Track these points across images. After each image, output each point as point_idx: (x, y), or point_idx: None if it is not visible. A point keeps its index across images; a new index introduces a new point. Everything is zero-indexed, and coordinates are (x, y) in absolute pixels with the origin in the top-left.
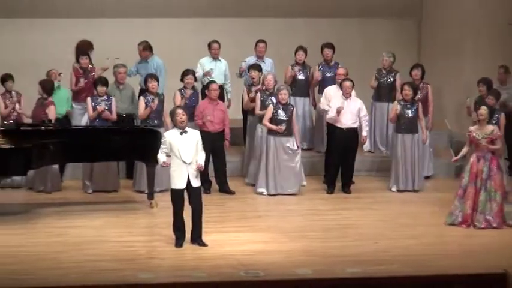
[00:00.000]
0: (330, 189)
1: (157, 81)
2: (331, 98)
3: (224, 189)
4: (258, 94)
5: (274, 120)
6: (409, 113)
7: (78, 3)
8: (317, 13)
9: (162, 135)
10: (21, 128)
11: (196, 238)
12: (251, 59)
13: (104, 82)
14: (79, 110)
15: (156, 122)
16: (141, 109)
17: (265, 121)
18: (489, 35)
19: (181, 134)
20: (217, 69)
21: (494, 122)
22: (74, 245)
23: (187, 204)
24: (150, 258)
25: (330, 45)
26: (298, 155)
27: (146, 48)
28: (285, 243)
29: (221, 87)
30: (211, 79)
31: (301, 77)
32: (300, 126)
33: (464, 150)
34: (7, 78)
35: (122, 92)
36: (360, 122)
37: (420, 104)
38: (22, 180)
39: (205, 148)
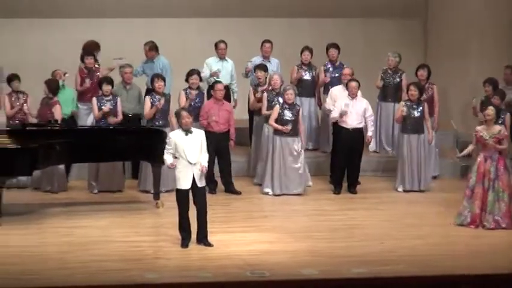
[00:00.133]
0: (337, 190)
1: (164, 81)
2: (337, 98)
3: (230, 189)
4: (265, 94)
5: (280, 120)
6: (415, 113)
7: (82, 3)
8: (322, 13)
9: (167, 135)
10: (27, 128)
11: (202, 238)
12: (257, 59)
13: (109, 81)
14: (84, 110)
15: (161, 122)
16: (147, 109)
17: (272, 121)
18: (495, 36)
19: (186, 134)
20: (224, 70)
21: (500, 122)
22: (79, 245)
23: (193, 204)
24: (156, 259)
25: (336, 46)
26: (301, 156)
27: (152, 48)
28: (290, 244)
29: (227, 88)
30: (217, 79)
31: (307, 77)
32: (306, 126)
33: (470, 148)
34: (13, 78)
35: (128, 92)
36: (365, 122)
37: (426, 104)
38: (28, 181)
39: (210, 148)
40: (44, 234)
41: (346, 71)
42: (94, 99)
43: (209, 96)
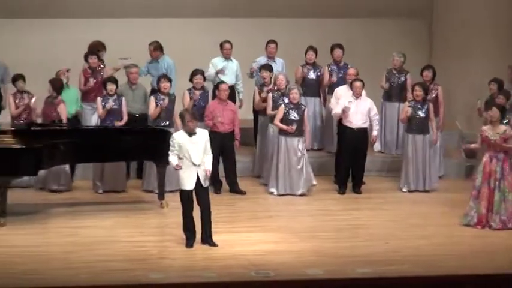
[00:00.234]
0: (342, 190)
1: (170, 82)
2: (341, 98)
3: (234, 189)
4: (270, 94)
5: (285, 120)
6: (420, 113)
7: (88, 3)
8: (327, 13)
9: (171, 136)
10: (32, 128)
11: (207, 238)
12: (262, 59)
13: (114, 81)
14: (89, 110)
15: (166, 122)
16: (152, 109)
17: (277, 121)
18: (499, 37)
19: (190, 135)
20: (229, 70)
21: (505, 122)
22: (84, 245)
23: (197, 204)
24: (160, 259)
25: (340, 46)
26: (304, 156)
27: (157, 48)
28: (295, 244)
29: (232, 88)
30: (222, 77)
31: (311, 77)
32: (311, 126)
33: (476, 146)
34: (18, 78)
35: (134, 92)
36: (370, 122)
37: (431, 105)
38: (30, 180)
39: (215, 148)
40: (49, 234)
41: (351, 71)
42: (98, 99)
43: (214, 96)
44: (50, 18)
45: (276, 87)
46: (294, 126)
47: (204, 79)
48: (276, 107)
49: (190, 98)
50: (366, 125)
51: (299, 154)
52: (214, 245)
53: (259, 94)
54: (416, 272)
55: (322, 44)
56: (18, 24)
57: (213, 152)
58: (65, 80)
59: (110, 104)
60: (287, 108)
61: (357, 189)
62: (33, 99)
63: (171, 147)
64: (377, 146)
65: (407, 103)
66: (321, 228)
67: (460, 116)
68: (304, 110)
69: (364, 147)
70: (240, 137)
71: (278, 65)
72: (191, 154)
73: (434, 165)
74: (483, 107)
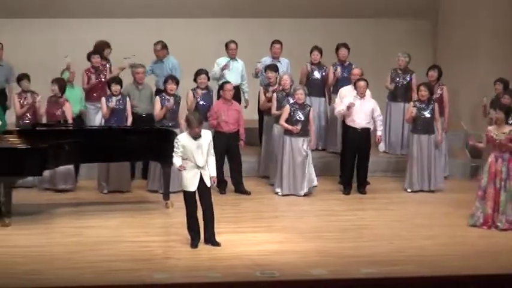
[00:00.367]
0: (347, 190)
1: (177, 84)
2: (346, 98)
3: (240, 189)
4: (275, 94)
5: (290, 120)
6: (425, 113)
7: (93, 3)
8: (332, 14)
9: (176, 137)
10: (37, 128)
11: (210, 238)
12: (267, 60)
13: (118, 81)
14: (92, 110)
15: (171, 122)
16: (157, 109)
17: (282, 121)
18: (504, 37)
19: (195, 139)
20: (234, 70)
21: (511, 122)
22: (89, 245)
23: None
24: (165, 259)
25: (346, 46)
26: (309, 156)
27: (164, 47)
28: (300, 244)
29: (237, 88)
30: (227, 77)
31: (316, 77)
32: (316, 126)
33: (481, 145)
34: (22, 77)
35: (141, 92)
36: (374, 122)
37: (436, 105)
38: (34, 180)
39: (220, 148)
40: (53, 234)
41: (356, 71)
42: (103, 99)
43: (219, 96)
44: (51, 18)
45: (280, 87)
46: (299, 127)
47: (208, 79)
48: (280, 107)
49: (194, 98)
50: (369, 125)
51: (304, 154)
52: (217, 244)
53: (265, 94)
54: (420, 272)
55: (327, 44)
56: (19, 24)
57: (218, 152)
58: (66, 74)
59: (113, 103)
60: (292, 109)
61: (361, 189)
62: (38, 98)
63: (175, 149)
64: (382, 147)
65: (412, 103)
66: (325, 228)
67: (465, 116)
68: (310, 110)
69: (367, 148)
70: (245, 137)
71: (283, 65)
72: (195, 157)
73: (440, 165)
74: (488, 106)
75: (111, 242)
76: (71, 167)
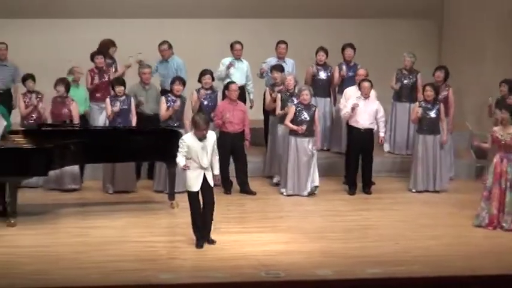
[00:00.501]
0: (351, 191)
1: (184, 85)
2: (351, 98)
3: (245, 189)
4: (279, 95)
5: (295, 120)
6: (431, 114)
7: (98, 3)
8: (337, 14)
9: (181, 138)
10: (43, 129)
11: (206, 234)
12: (272, 60)
13: (121, 82)
14: (97, 110)
15: (176, 123)
16: (163, 110)
17: (287, 121)
18: (509, 37)
19: (200, 140)
20: (239, 70)
21: None
22: (95, 245)
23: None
24: (171, 259)
25: (352, 46)
26: (314, 157)
27: (170, 47)
28: (305, 244)
29: (242, 88)
30: (233, 77)
31: (322, 77)
32: (321, 126)
33: (486, 145)
34: (27, 77)
35: (147, 92)
36: (377, 123)
37: (442, 105)
38: (39, 181)
39: (225, 149)
40: (59, 234)
41: (361, 71)
42: (107, 100)
43: (224, 96)
44: (51, 19)
45: (284, 88)
46: (304, 127)
47: (213, 79)
48: (284, 107)
49: (198, 98)
50: (372, 126)
51: (309, 154)
52: (212, 241)
53: (270, 94)
54: (426, 272)
55: (333, 45)
56: (19, 24)
57: (223, 153)
58: (71, 78)
59: (116, 108)
60: (298, 109)
61: (366, 189)
62: (41, 104)
63: (180, 149)
64: (386, 147)
65: (417, 103)
66: (330, 228)
67: (471, 117)
68: (315, 110)
69: (371, 148)
70: (250, 137)
71: (288, 65)
72: (200, 158)
73: (445, 165)
74: (494, 106)
75: (116, 242)
76: (76, 167)
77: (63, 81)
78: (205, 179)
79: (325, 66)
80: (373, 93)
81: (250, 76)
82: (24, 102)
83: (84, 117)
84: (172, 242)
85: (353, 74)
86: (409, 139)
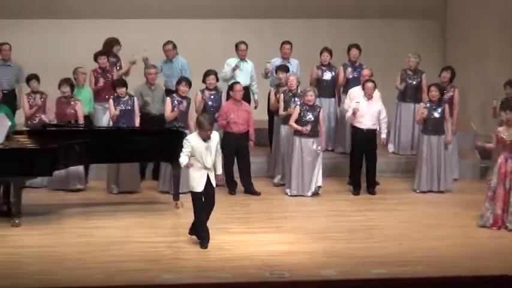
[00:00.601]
0: (356, 191)
1: (190, 86)
2: (355, 99)
3: (249, 190)
4: (282, 95)
5: (300, 121)
6: (436, 114)
7: (103, 4)
8: (341, 14)
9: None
10: (47, 129)
11: (196, 230)
12: (276, 60)
13: (122, 83)
14: (100, 110)
15: (181, 123)
16: (168, 111)
17: (292, 122)
18: None
19: (205, 141)
20: (244, 70)
21: None
22: (99, 245)
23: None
24: (175, 259)
25: (357, 46)
26: (320, 157)
27: (175, 47)
28: (309, 244)
29: (246, 88)
30: (237, 78)
31: (327, 78)
32: (326, 127)
33: (490, 145)
34: (31, 78)
35: (153, 93)
36: (379, 124)
37: (447, 105)
38: (43, 181)
39: (229, 149)
40: (63, 234)
41: (366, 71)
42: (111, 101)
43: (228, 97)
44: (52, 19)
45: (287, 88)
46: (309, 127)
47: (217, 80)
48: (287, 107)
49: (202, 99)
50: (375, 127)
51: (314, 155)
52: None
53: (275, 95)
54: (430, 272)
55: (337, 45)
56: (20, 25)
57: (228, 153)
58: (73, 78)
59: (117, 112)
60: (302, 110)
61: (371, 190)
62: (47, 105)
63: (184, 149)
64: (391, 148)
65: (422, 104)
66: (335, 229)
67: (475, 117)
68: (320, 111)
69: (374, 148)
70: (255, 137)
71: (293, 66)
72: (204, 158)
73: (450, 166)
74: (499, 107)
75: (121, 242)
76: (81, 167)
77: (67, 82)
78: (208, 179)
79: (329, 66)
80: (377, 93)
81: (254, 77)
82: (29, 102)
83: (88, 118)
84: (176, 243)
85: (358, 75)
86: (413, 139)
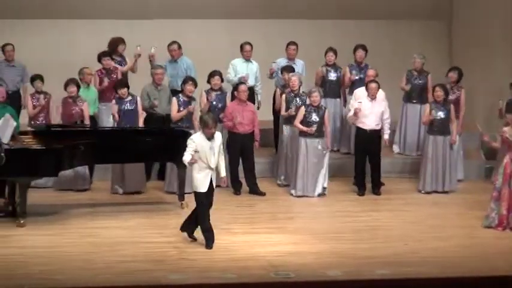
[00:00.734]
0: (361, 192)
1: (196, 86)
2: (360, 99)
3: (254, 190)
4: (284, 95)
5: (305, 122)
6: (441, 114)
7: (107, 4)
8: (346, 15)
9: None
10: (52, 129)
11: (192, 231)
12: (282, 61)
13: (124, 84)
14: (104, 110)
15: (186, 124)
16: (174, 111)
17: (297, 122)
18: None
19: (209, 139)
20: (249, 71)
21: None
22: (105, 245)
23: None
24: (180, 259)
25: (363, 47)
26: (326, 157)
27: (180, 47)
28: (315, 245)
29: (251, 89)
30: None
31: (332, 78)
32: (331, 127)
33: (496, 144)
34: (36, 78)
35: (160, 93)
36: (382, 125)
37: (452, 106)
38: (48, 182)
39: (235, 149)
40: (69, 234)
41: (371, 72)
42: (113, 102)
43: (233, 97)
44: (52, 19)
45: (289, 89)
46: (314, 128)
47: (222, 80)
48: (289, 108)
49: (207, 99)
50: (378, 127)
51: (319, 156)
52: (194, 239)
53: (281, 95)
54: (435, 273)
55: (342, 46)
56: (20, 25)
57: (233, 153)
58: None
59: (116, 117)
60: (307, 110)
61: (376, 190)
62: (51, 104)
63: (188, 148)
64: (396, 148)
65: (428, 105)
66: (340, 229)
67: (480, 118)
68: (325, 111)
69: (377, 149)
70: (260, 137)
71: (298, 66)
72: (208, 158)
73: (454, 166)
74: (504, 108)
75: (126, 243)
76: (85, 167)
77: (73, 82)
78: (210, 180)
79: (334, 67)
80: (381, 94)
81: (259, 77)
82: (32, 102)
83: (93, 118)
84: (182, 243)
85: (364, 76)
86: (419, 140)
